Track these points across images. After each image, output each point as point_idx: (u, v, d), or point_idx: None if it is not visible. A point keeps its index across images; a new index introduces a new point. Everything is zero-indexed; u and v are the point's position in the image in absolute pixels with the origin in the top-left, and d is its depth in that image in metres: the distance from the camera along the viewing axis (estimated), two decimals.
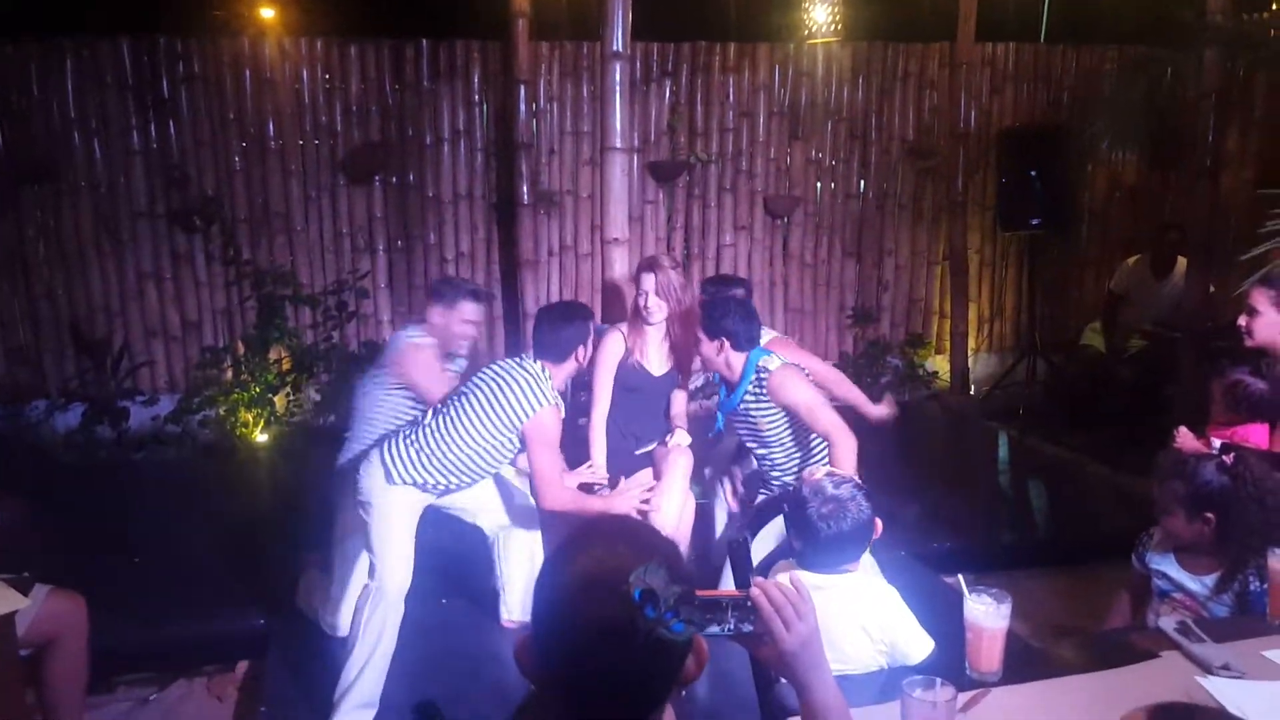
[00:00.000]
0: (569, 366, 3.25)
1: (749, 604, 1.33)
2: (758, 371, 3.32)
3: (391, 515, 3.10)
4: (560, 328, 3.25)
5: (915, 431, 6.28)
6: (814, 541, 2.27)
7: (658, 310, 3.62)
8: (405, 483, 3.10)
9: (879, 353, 6.89)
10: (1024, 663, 2.06)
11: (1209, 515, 2.49)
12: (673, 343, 3.70)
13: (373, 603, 3.03)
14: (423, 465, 3.09)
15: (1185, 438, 3.28)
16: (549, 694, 1.12)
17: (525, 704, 1.23)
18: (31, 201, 5.73)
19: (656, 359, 3.72)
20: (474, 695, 3.11)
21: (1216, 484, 2.50)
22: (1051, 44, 6.98)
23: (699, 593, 1.27)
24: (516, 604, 3.56)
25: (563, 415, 3.15)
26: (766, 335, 3.66)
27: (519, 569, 3.53)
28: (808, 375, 3.39)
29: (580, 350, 3.26)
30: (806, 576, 2.20)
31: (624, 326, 3.74)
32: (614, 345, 3.69)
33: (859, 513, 2.27)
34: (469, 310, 3.59)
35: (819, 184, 6.79)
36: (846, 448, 3.14)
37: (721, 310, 3.35)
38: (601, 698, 1.09)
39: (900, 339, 7.00)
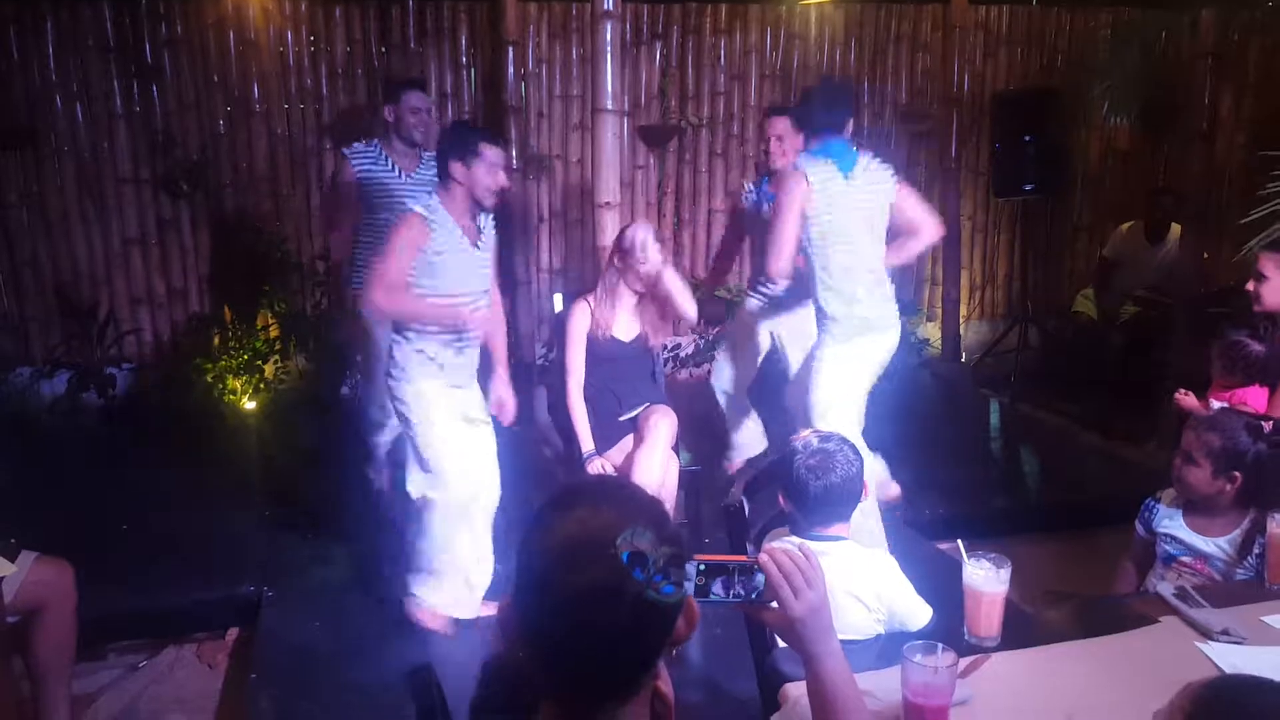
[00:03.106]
0: (451, 189, 3.17)
1: (756, 569, 1.31)
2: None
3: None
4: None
5: (907, 399, 6.26)
6: (804, 497, 2.25)
7: (655, 256, 3.59)
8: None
9: None
10: (1022, 628, 2.05)
11: (1236, 474, 2.49)
12: (643, 307, 3.70)
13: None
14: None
15: (1186, 399, 3.28)
16: (533, 658, 1.10)
17: (491, 665, 1.21)
18: (13, 167, 5.63)
19: (624, 325, 3.70)
20: (461, 662, 3.10)
21: (1253, 447, 2.50)
22: (1045, 6, 6.91)
23: (703, 557, 1.25)
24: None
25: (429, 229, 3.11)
26: None
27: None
28: None
29: (457, 167, 3.13)
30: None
31: (590, 297, 3.71)
32: (580, 317, 3.67)
33: (847, 465, 2.25)
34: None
35: None
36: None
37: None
38: (589, 661, 1.07)
39: None
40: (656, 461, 3.51)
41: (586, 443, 3.62)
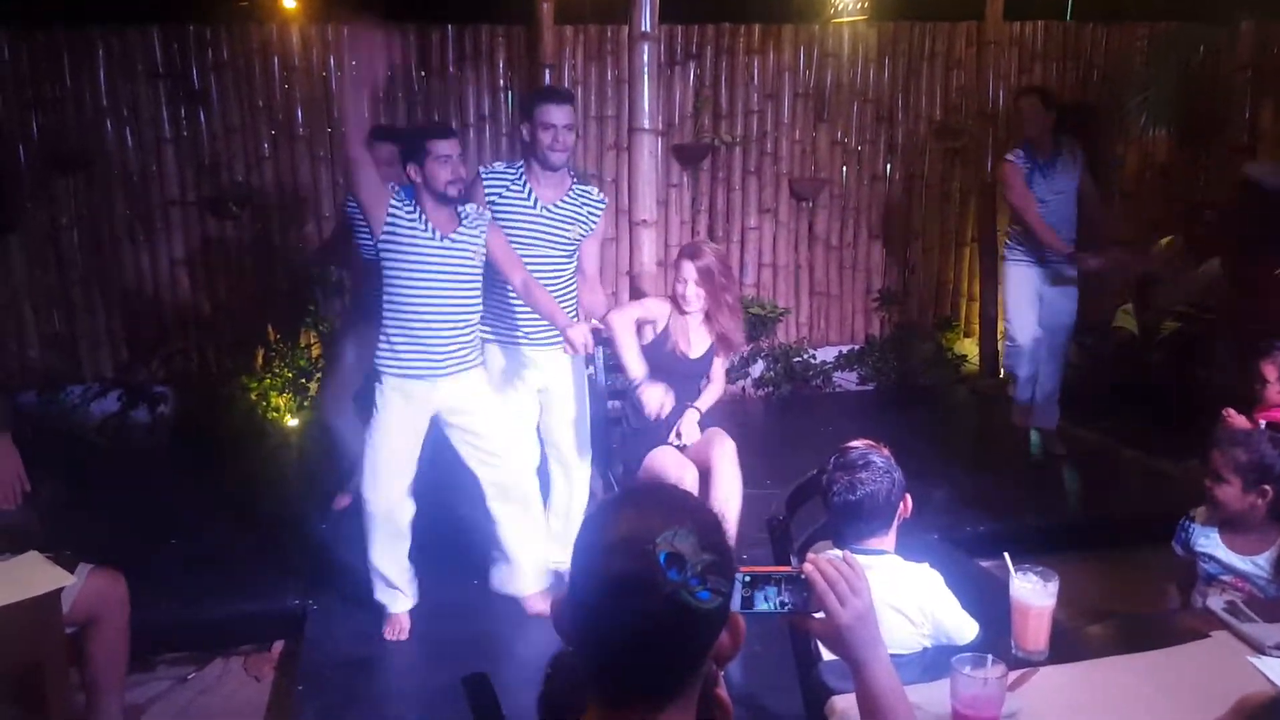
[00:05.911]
0: (416, 190, 3.31)
1: (802, 579, 1.33)
2: None
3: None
4: None
5: (945, 415, 6.26)
6: (835, 510, 2.27)
7: (696, 300, 3.61)
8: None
9: (906, 336, 6.85)
10: (1069, 643, 2.04)
11: (1266, 488, 2.47)
12: (713, 328, 3.68)
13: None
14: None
15: (1234, 418, 3.25)
16: (582, 652, 1.13)
17: (559, 659, 1.24)
18: (64, 189, 5.78)
19: (696, 342, 3.69)
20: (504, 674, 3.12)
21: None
22: (1081, 22, 6.89)
23: (748, 569, 1.27)
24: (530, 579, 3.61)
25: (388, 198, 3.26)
26: None
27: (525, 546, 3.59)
28: None
29: (413, 169, 3.28)
30: None
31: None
32: (659, 308, 3.67)
33: (878, 480, 2.24)
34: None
35: (845, 166, 6.75)
36: None
37: None
38: (628, 659, 1.09)
39: (928, 322, 6.95)
40: (734, 485, 3.44)
41: (634, 368, 3.50)
